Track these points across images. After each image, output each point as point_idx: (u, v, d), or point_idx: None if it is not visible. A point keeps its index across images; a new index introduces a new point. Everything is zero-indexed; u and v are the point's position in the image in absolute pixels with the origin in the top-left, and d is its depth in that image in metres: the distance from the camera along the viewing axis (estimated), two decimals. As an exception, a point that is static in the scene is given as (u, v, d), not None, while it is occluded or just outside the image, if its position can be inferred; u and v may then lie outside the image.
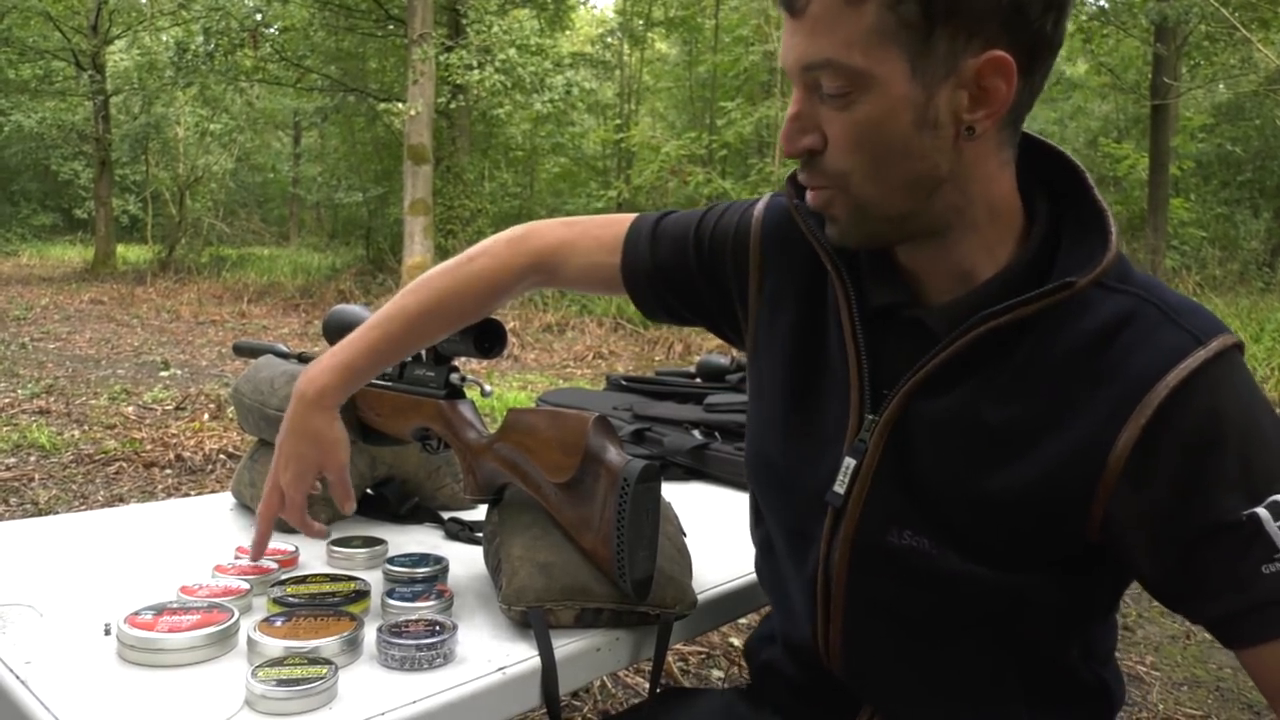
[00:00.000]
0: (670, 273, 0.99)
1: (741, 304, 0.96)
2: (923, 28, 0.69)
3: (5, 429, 4.50)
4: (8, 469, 3.86)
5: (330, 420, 1.00)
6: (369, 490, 1.27)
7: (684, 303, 1.00)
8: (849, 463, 0.82)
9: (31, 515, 3.31)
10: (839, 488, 0.83)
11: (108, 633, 0.85)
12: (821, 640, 0.88)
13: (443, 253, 11.94)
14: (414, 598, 0.91)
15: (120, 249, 17.60)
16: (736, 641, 2.55)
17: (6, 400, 5.26)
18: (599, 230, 1.03)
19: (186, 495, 3.64)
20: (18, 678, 0.76)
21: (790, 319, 0.90)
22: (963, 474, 0.78)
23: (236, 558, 1.03)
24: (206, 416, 4.90)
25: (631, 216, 1.03)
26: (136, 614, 0.83)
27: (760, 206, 0.95)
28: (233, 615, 0.85)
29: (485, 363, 7.09)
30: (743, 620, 2.68)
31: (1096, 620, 0.86)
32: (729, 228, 0.96)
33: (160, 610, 0.84)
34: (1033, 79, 0.74)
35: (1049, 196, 0.81)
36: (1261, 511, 0.70)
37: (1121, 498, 0.73)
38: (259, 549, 1.00)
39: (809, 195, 0.80)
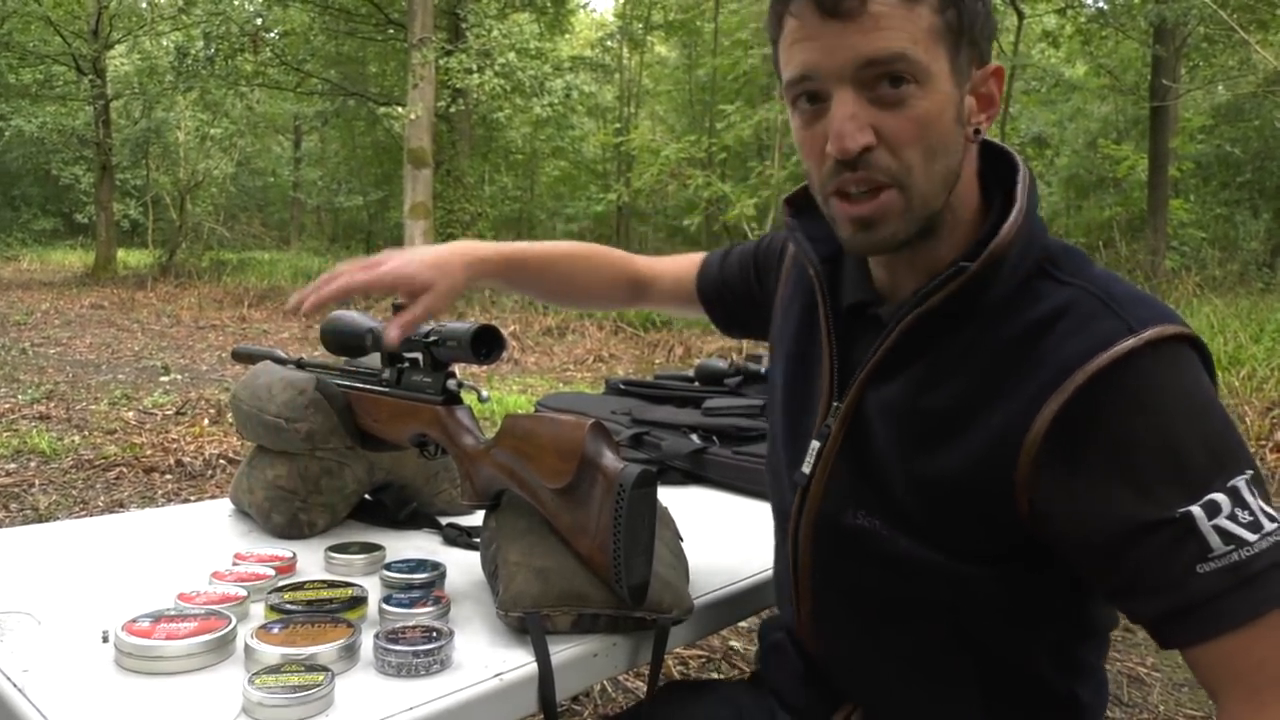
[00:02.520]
0: (735, 288, 1.16)
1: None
2: (957, 34, 0.76)
3: (5, 434, 4.50)
4: (8, 474, 3.86)
5: (457, 271, 1.06)
6: (367, 496, 1.28)
7: (748, 314, 1.16)
8: (814, 445, 0.89)
9: (31, 521, 3.31)
10: (805, 468, 0.90)
11: (105, 640, 0.85)
12: (797, 621, 0.94)
13: (443, 256, 11.94)
14: (411, 604, 0.91)
15: (121, 253, 17.62)
16: (736, 645, 2.55)
17: (7, 405, 5.26)
18: (686, 260, 1.25)
19: (187, 500, 3.64)
20: (15, 686, 0.76)
21: (794, 325, 0.98)
22: (903, 457, 0.82)
23: (234, 564, 1.03)
24: (207, 421, 4.91)
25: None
26: (134, 621, 0.83)
27: None
28: (230, 622, 0.85)
29: (485, 367, 7.09)
30: (743, 624, 2.69)
31: (1061, 629, 0.86)
32: (773, 246, 1.11)
33: (158, 617, 0.84)
34: None
35: (1003, 190, 0.85)
36: (1196, 510, 0.69)
37: (1043, 483, 0.74)
38: (316, 302, 1.06)
39: (854, 208, 0.79)
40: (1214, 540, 0.69)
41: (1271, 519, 0.70)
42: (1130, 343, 0.72)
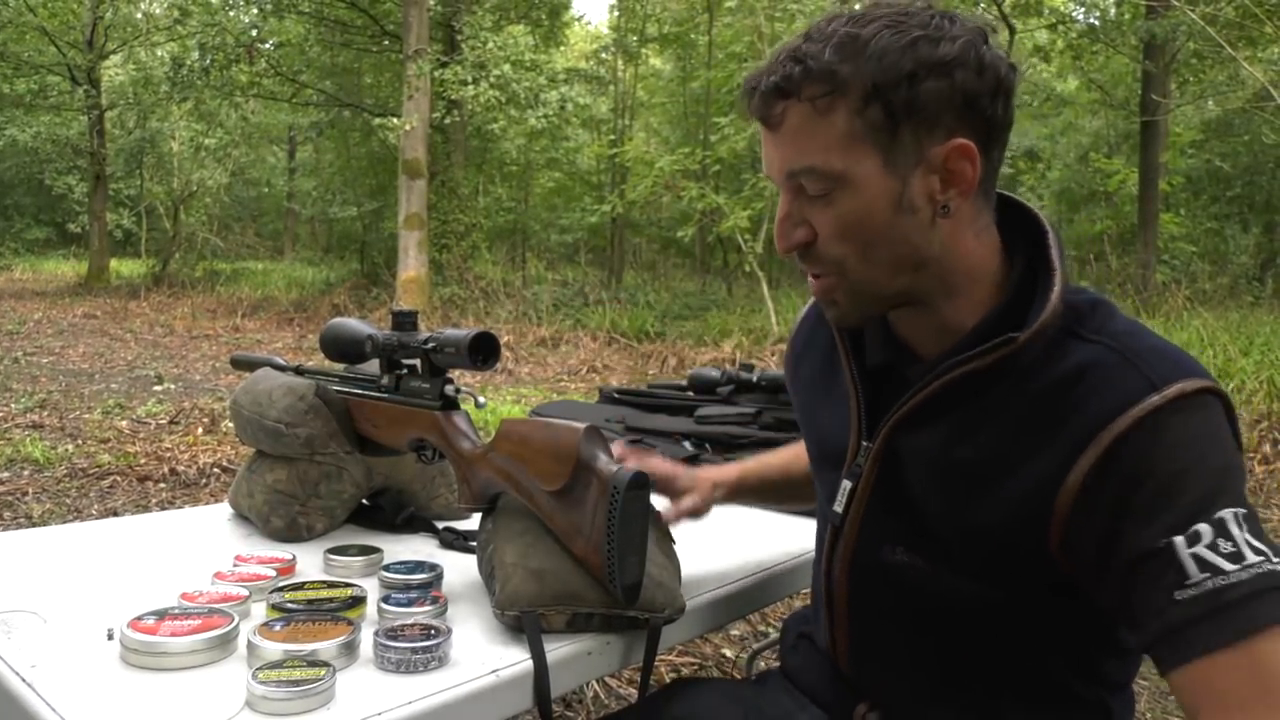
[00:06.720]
0: None
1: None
2: (888, 127, 0.78)
3: (-1, 442, 4.50)
4: (1, 483, 3.86)
5: (707, 487, 1.14)
6: (365, 500, 1.29)
7: None
8: (846, 485, 0.92)
9: (25, 529, 3.31)
10: (838, 507, 0.92)
11: (110, 637, 0.86)
12: (828, 643, 0.97)
13: (437, 267, 11.95)
14: (409, 603, 0.93)
15: (114, 263, 17.59)
16: (729, 652, 2.56)
17: (0, 414, 5.26)
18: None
19: (181, 509, 3.64)
20: (24, 680, 0.78)
21: (815, 364, 1.04)
22: (942, 503, 0.85)
23: (235, 565, 1.05)
24: (200, 430, 4.91)
25: None
26: (139, 619, 0.85)
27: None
28: (233, 620, 0.87)
29: (479, 376, 7.11)
30: (735, 631, 2.70)
31: (1098, 645, 0.88)
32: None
33: (162, 615, 0.86)
34: (992, 155, 0.82)
35: (1028, 245, 0.87)
36: (1178, 540, 0.72)
37: (1074, 530, 0.77)
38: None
39: (812, 283, 0.88)
40: (1191, 568, 0.71)
41: (1258, 552, 0.71)
42: (1155, 400, 0.75)
